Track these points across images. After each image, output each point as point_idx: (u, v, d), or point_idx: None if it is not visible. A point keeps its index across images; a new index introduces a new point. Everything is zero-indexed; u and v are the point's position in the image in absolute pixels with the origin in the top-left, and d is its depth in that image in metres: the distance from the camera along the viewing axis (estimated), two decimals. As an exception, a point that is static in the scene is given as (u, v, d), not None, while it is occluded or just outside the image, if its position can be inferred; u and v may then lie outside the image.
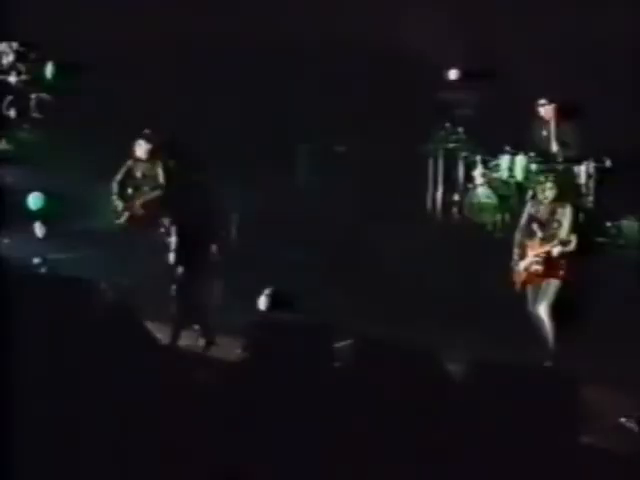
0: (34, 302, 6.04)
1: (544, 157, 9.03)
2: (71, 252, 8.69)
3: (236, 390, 5.56)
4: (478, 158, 9.45)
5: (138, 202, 8.55)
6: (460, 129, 9.69)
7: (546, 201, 6.79)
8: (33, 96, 9.05)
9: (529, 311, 6.83)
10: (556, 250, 6.65)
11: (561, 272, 6.73)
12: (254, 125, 9.48)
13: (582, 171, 8.98)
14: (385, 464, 4.82)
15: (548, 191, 6.80)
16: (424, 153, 9.74)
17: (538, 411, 4.77)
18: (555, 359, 6.63)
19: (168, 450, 4.97)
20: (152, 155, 8.62)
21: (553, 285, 6.76)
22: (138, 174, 8.66)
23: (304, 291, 7.40)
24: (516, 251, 6.83)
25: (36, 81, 8.90)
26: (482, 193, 9.31)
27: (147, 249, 8.18)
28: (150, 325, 6.76)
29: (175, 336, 6.95)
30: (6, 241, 8.50)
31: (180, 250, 7.04)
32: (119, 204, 8.61)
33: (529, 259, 6.74)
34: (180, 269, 7.01)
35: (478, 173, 9.41)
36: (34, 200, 8.75)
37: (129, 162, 8.66)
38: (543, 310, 6.73)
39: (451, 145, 9.76)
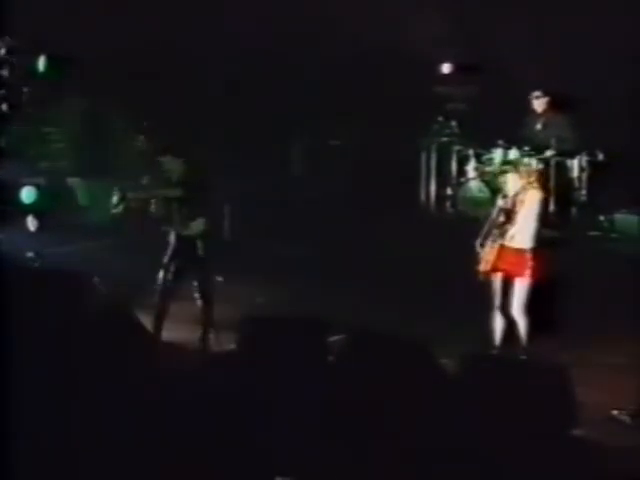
0: (27, 297, 5.97)
1: (537, 151, 9.18)
2: (65, 245, 8.75)
3: (230, 384, 5.54)
4: (471, 152, 9.55)
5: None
6: (453, 123, 9.80)
7: (511, 193, 6.55)
8: (26, 90, 9.09)
9: (499, 312, 6.67)
10: (508, 239, 6.45)
11: (530, 269, 6.50)
12: (248, 121, 9.60)
13: (575, 165, 9.09)
14: (380, 461, 4.86)
15: (511, 182, 6.58)
16: (417, 147, 9.78)
17: (533, 404, 4.82)
18: (531, 355, 6.51)
19: (164, 444, 4.97)
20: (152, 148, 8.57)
21: (522, 284, 6.53)
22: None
23: (300, 286, 7.54)
24: (479, 240, 6.64)
25: (29, 74, 8.87)
26: (475, 187, 9.37)
27: (142, 243, 8.19)
28: (144, 319, 6.80)
29: (160, 328, 6.94)
30: (2, 236, 8.40)
31: (177, 245, 7.05)
32: (115, 199, 8.36)
33: (487, 249, 6.58)
34: (175, 264, 7.00)
35: (471, 167, 9.46)
36: (27, 194, 8.68)
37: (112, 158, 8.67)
38: (516, 312, 6.58)
39: (444, 139, 9.86)
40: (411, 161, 9.70)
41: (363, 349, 5.62)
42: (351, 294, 7.84)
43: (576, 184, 9.07)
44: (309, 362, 5.64)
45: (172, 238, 7.01)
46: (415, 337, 5.85)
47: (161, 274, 6.97)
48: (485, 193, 9.05)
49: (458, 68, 9.67)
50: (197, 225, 6.91)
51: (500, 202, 6.64)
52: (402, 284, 7.85)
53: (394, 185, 9.32)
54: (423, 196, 9.86)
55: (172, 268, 6.96)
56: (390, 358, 5.42)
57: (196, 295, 7.03)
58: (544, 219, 6.70)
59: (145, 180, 7.96)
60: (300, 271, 8.21)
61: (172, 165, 6.98)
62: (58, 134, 9.48)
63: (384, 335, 5.79)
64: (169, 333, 7.01)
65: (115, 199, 8.26)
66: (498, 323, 6.72)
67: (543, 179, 7.20)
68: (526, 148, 9.11)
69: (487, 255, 6.59)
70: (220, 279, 7.29)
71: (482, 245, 6.61)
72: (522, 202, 6.52)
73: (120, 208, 8.01)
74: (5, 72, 8.82)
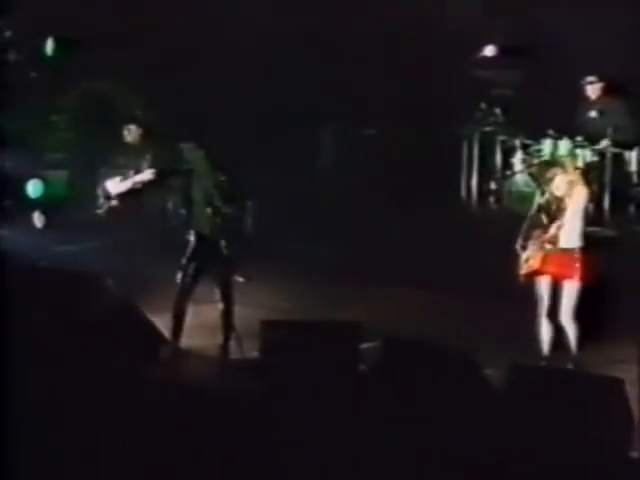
0: (34, 298, 6.31)
1: (591, 141, 9.00)
2: (73, 244, 8.82)
3: (251, 394, 5.71)
4: (517, 142, 9.45)
5: (112, 190, 8.32)
6: (497, 110, 9.65)
7: (558, 191, 6.57)
8: (33, 74, 9.23)
9: (547, 318, 6.68)
10: (549, 236, 6.47)
11: (578, 271, 6.50)
12: (274, 109, 9.56)
13: (633, 157, 8.97)
14: (409, 471, 4.96)
15: (558, 177, 6.59)
16: (458, 137, 9.70)
17: (584, 418, 4.97)
18: (582, 366, 6.56)
19: (174, 453, 5.11)
20: (143, 140, 8.61)
21: (572, 287, 6.54)
22: (122, 161, 8.58)
23: (329, 288, 7.59)
24: (520, 241, 6.65)
25: (36, 58, 9.06)
26: (521, 181, 9.31)
27: (156, 241, 8.27)
28: (160, 324, 7.04)
29: (178, 334, 7.05)
30: (3, 232, 8.59)
31: (197, 244, 7.07)
32: (100, 194, 8.45)
33: (529, 250, 6.58)
34: (194, 265, 7.05)
35: (517, 159, 9.41)
36: (34, 188, 8.90)
37: (117, 147, 8.64)
38: (565, 318, 6.59)
39: (488, 128, 9.70)
40: (451, 152, 9.62)
41: (398, 358, 5.79)
42: (385, 297, 7.93)
43: (634, 179, 8.96)
44: (339, 371, 5.81)
45: (192, 236, 7.10)
46: (455, 345, 5.94)
47: (180, 275, 7.05)
48: (532, 188, 8.86)
49: (503, 50, 9.56)
50: (218, 222, 7.04)
51: (540, 199, 6.67)
52: (440, 287, 7.89)
53: (432, 179, 9.29)
54: (464, 191, 9.80)
55: (191, 269, 7.07)
56: (428, 368, 5.62)
57: (216, 298, 7.13)
58: (599, 217, 6.72)
59: (154, 171, 8.03)
60: (329, 272, 8.30)
61: (193, 155, 7.09)
62: (66, 122, 9.58)
63: (421, 343, 5.93)
64: (187, 339, 7.12)
65: (101, 199, 8.48)
66: (545, 331, 6.74)
67: (592, 174, 7.24)
68: (579, 138, 9.01)
69: (530, 257, 6.60)
70: (242, 280, 7.39)
71: (523, 247, 6.64)
72: (569, 199, 6.55)
73: (105, 207, 8.30)
74: (12, 55, 9.06)
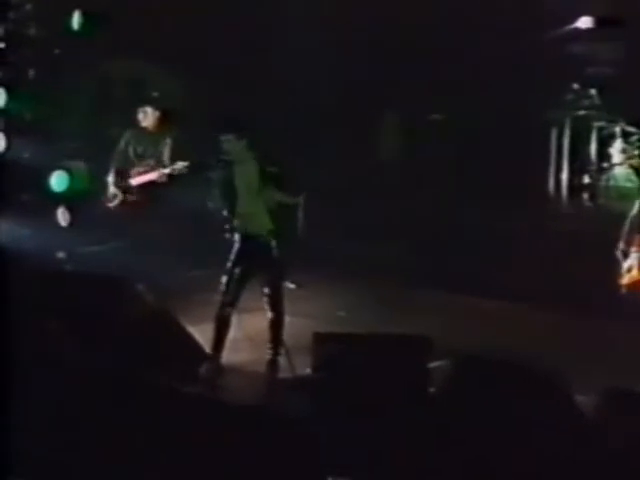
0: (59, 305, 6.40)
1: None
2: (99, 243, 8.89)
3: (302, 417, 5.65)
4: (617, 130, 9.44)
5: (133, 182, 8.64)
6: (593, 92, 9.64)
7: None
8: (57, 52, 9.39)
9: None
10: None
11: None
12: (329, 94, 9.63)
13: None
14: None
15: None
16: (546, 122, 9.65)
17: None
18: None
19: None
20: (160, 125, 8.72)
21: None
22: (139, 149, 8.74)
23: (393, 296, 7.57)
24: (621, 246, 6.61)
25: (59, 33, 9.23)
26: (621, 175, 9.32)
27: (194, 241, 8.37)
28: (200, 336, 7.11)
29: (220, 347, 7.09)
30: (25, 231, 8.75)
31: (242, 246, 7.10)
32: (111, 184, 8.71)
33: (631, 258, 6.55)
34: (240, 269, 7.08)
35: (617, 149, 9.39)
36: (58, 180, 8.98)
37: (128, 133, 8.75)
38: None
39: (581, 112, 9.72)
40: (537, 141, 9.60)
41: (473, 379, 5.71)
42: (458, 308, 7.92)
43: None
44: (403, 394, 5.73)
45: (237, 237, 7.16)
46: (541, 366, 5.82)
47: (224, 280, 7.08)
48: (635, 183, 9.07)
49: (599, 22, 9.53)
50: (266, 220, 7.06)
51: None
52: (523, 298, 7.84)
53: (513, 172, 9.23)
54: (552, 186, 9.80)
55: (236, 273, 7.10)
56: (508, 392, 5.48)
57: (265, 306, 7.14)
58: None
59: (188, 164, 8.20)
60: (393, 277, 8.30)
61: (233, 146, 7.10)
62: (86, 106, 9.75)
63: (500, 362, 5.79)
64: (230, 353, 7.16)
65: (111, 188, 8.64)
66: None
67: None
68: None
69: (632, 266, 6.61)
70: (293, 287, 7.46)
71: (625, 253, 6.60)
72: None
73: (117, 200, 8.48)
74: (33, 30, 9.30)
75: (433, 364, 5.91)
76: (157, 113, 8.75)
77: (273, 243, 6.97)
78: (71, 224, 8.98)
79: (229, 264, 7.10)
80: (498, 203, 8.99)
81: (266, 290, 7.11)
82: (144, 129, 8.77)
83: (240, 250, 7.11)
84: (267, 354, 7.13)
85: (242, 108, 8.53)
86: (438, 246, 8.66)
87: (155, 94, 8.95)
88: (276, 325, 7.11)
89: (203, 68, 9.60)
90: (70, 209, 9.00)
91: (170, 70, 9.69)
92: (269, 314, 7.12)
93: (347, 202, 9.26)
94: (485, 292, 7.98)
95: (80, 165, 9.20)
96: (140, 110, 8.76)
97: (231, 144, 7.09)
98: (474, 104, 9.42)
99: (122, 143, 8.78)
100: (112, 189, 8.76)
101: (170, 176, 8.45)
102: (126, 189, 8.72)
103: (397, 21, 9.53)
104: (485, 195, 9.07)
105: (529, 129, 9.43)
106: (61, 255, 8.83)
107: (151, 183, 8.60)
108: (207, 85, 9.48)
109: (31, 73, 9.19)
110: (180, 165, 8.33)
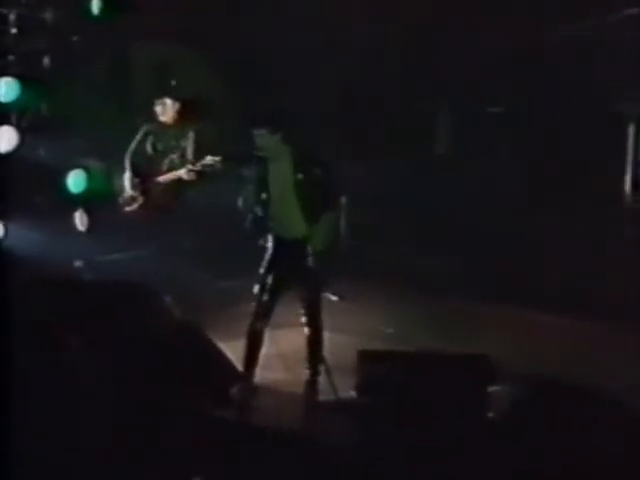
0: (76, 319, 6.38)
1: None
2: (123, 251, 8.91)
3: (345, 443, 5.70)
4: None
5: (156, 181, 8.56)
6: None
7: None
8: (75, 39, 9.30)
9: None
10: None
11: None
12: (377, 84, 9.57)
13: None
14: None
15: None
16: (621, 116, 9.49)
17: None
18: None
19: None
20: (180, 119, 8.69)
21: None
22: (160, 145, 8.72)
23: (446, 311, 7.44)
24: None
25: (79, 17, 9.11)
26: None
27: (222, 248, 8.37)
28: (227, 350, 7.05)
29: (253, 365, 7.06)
30: (38, 237, 8.66)
31: (276, 251, 7.04)
32: (128, 187, 8.69)
33: None
34: (274, 278, 7.03)
35: None
36: (75, 180, 8.93)
37: (146, 127, 8.74)
38: None
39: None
40: (611, 136, 9.37)
41: (538, 404, 5.62)
42: (521, 324, 7.78)
43: None
44: (458, 419, 5.67)
45: (270, 241, 7.11)
46: (614, 390, 5.78)
47: (255, 291, 7.03)
48: None
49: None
50: (304, 223, 7.00)
51: None
52: (596, 314, 7.76)
53: (584, 170, 9.13)
54: (628, 186, 9.58)
55: (269, 283, 7.03)
56: (576, 418, 5.45)
57: (302, 320, 7.11)
58: None
59: (219, 158, 8.11)
60: (446, 289, 8.24)
61: (266, 141, 7.03)
62: (113, 98, 9.68)
63: (568, 386, 5.73)
64: (264, 372, 7.12)
65: (127, 181, 8.56)
66: None
67: None
68: None
69: None
70: (334, 299, 7.48)
71: None
72: None
73: (135, 203, 8.43)
74: (48, 14, 9.17)
75: (492, 387, 5.86)
76: (177, 105, 8.72)
77: (310, 249, 6.92)
78: (89, 229, 8.98)
79: (261, 272, 7.04)
80: (567, 204, 8.96)
81: (302, 302, 7.05)
82: (163, 123, 8.75)
83: (273, 257, 7.05)
84: (305, 374, 7.08)
85: (276, 99, 8.56)
86: (498, 254, 8.62)
87: (173, 82, 8.88)
88: (314, 341, 7.06)
89: (233, 54, 9.58)
90: (88, 212, 9.00)
91: (197, 57, 9.68)
92: (306, 329, 7.05)
93: (394, 205, 9.25)
94: (552, 305, 7.92)
95: (99, 164, 9.18)
96: (158, 102, 8.74)
97: (264, 139, 7.02)
98: (540, 95, 9.42)
99: (138, 139, 8.76)
100: (130, 191, 8.75)
101: (198, 174, 8.36)
102: (146, 190, 8.70)
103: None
104: (552, 196, 9.04)
105: (603, 123, 9.34)
106: (78, 264, 8.87)
107: (175, 183, 8.57)
108: (237, 73, 9.47)
109: (46, 62, 9.17)
110: (210, 160, 8.23)
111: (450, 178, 9.68)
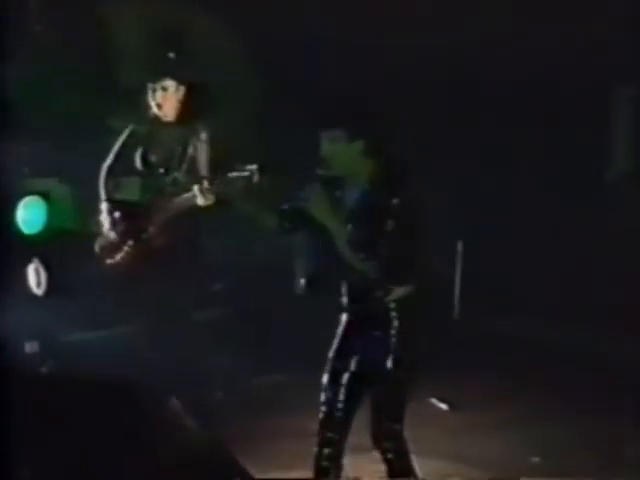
0: (35, 443, 5.66)
1: None
2: (105, 326, 8.90)
3: None
4: None
5: (151, 218, 8.06)
6: None
7: None
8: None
9: None
10: None
11: None
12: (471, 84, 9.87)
13: None
14: None
15: None
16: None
17: None
18: None
19: None
20: (187, 111, 8.21)
21: None
22: (154, 156, 8.22)
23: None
24: None
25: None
26: None
27: (259, 320, 8.52)
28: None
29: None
30: None
31: (351, 326, 6.49)
32: (106, 224, 8.08)
33: None
34: (350, 364, 6.42)
35: None
36: (28, 214, 8.56)
37: (133, 127, 8.19)
38: None
39: None
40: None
41: None
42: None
43: None
44: None
45: (343, 311, 6.59)
46: None
47: (325, 383, 6.53)
48: None
49: None
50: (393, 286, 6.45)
51: None
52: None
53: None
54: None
55: (345, 373, 6.51)
56: None
57: (376, 442, 6.50)
58: None
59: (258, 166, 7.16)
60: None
61: (340, 151, 6.51)
62: (87, 81, 9.31)
63: None
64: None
65: (106, 215, 7.94)
66: None
67: None
68: None
69: None
70: (444, 407, 7.45)
71: None
72: None
73: (126, 248, 7.80)
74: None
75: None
76: (181, 90, 8.06)
77: (395, 324, 6.38)
78: (49, 291, 8.54)
79: (330, 355, 6.54)
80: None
81: (379, 408, 6.48)
82: (159, 119, 8.10)
83: (346, 333, 6.54)
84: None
85: (348, 88, 8.28)
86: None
87: (172, 55, 8.34)
88: (403, 467, 6.53)
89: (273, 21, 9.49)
90: (47, 265, 8.51)
91: (213, 21, 9.43)
92: (389, 455, 6.47)
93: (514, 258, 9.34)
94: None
95: (63, 187, 8.90)
96: (152, 87, 8.07)
97: (336, 147, 6.46)
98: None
99: (120, 145, 8.09)
100: (109, 233, 8.07)
101: (217, 196, 7.35)
102: (135, 230, 8.01)
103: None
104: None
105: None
106: (33, 348, 8.58)
107: (181, 214, 7.81)
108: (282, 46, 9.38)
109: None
110: (237, 174, 7.08)
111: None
